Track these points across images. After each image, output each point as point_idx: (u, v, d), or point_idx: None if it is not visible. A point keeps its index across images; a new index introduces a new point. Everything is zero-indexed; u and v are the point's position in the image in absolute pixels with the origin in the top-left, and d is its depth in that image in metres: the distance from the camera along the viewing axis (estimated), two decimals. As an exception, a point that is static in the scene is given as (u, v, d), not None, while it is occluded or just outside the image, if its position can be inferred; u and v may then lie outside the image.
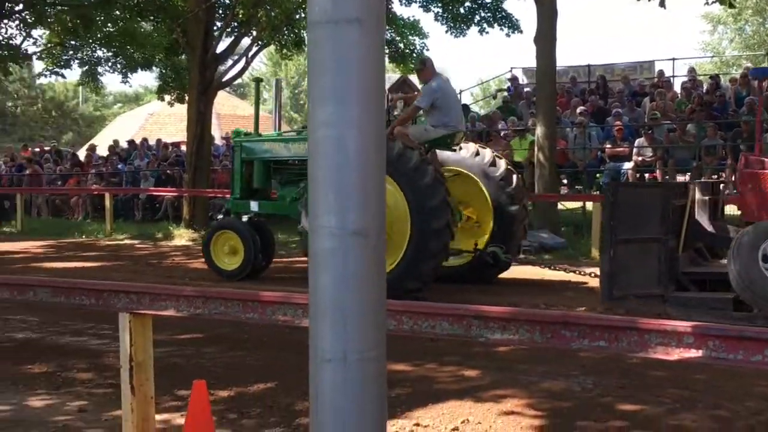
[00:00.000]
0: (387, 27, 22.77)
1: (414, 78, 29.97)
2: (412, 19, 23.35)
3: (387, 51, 23.37)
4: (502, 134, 19.27)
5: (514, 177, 10.69)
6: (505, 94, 24.88)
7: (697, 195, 8.68)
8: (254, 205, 11.44)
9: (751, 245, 7.42)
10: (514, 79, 24.76)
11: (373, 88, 2.65)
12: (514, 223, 10.51)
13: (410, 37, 23.47)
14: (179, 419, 4.91)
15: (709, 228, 8.60)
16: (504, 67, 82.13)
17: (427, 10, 22.17)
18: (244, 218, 11.45)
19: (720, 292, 7.76)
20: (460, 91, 35.41)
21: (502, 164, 10.63)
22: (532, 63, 16.78)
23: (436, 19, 22.11)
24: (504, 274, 10.74)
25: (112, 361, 6.32)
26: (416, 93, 10.75)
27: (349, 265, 2.63)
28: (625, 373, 6.10)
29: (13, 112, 57.47)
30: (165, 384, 5.71)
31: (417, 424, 4.92)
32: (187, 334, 7.74)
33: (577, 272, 9.81)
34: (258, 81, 13.19)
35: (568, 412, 5.22)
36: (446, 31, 22.47)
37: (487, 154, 10.66)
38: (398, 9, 25.39)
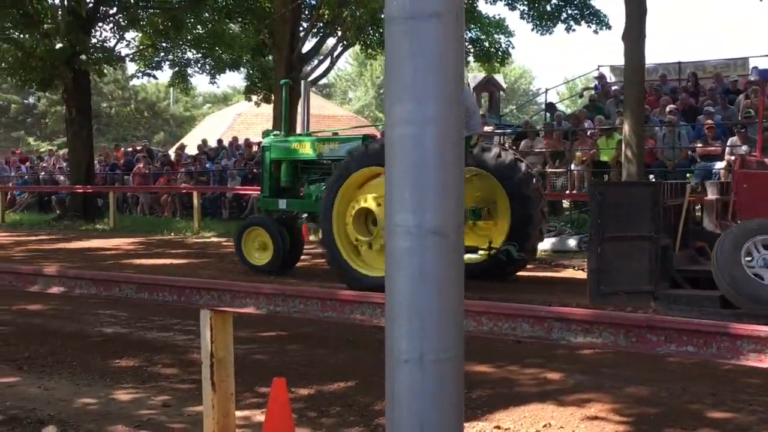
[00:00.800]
0: (472, 26, 22.67)
1: (498, 76, 29.77)
2: (497, 17, 23.15)
3: (472, 50, 23.27)
4: (588, 133, 18.93)
5: (534, 180, 10.91)
6: (592, 92, 24.45)
7: (709, 195, 8.85)
8: (282, 203, 11.85)
9: (734, 244, 7.51)
10: (601, 77, 24.31)
11: (452, 85, 2.60)
12: (530, 224, 10.62)
13: (495, 36, 23.29)
14: (260, 416, 4.93)
15: (714, 228, 8.64)
16: (591, 65, 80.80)
17: (512, 8, 21.97)
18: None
19: (713, 289, 7.72)
20: (546, 90, 34.88)
21: (522, 167, 10.81)
22: (619, 60, 16.46)
23: (522, 17, 21.92)
24: (524, 273, 10.98)
25: (196, 357, 6.39)
26: None
27: (427, 265, 2.58)
28: (717, 379, 5.90)
29: (107, 113, 59.16)
30: (247, 381, 5.77)
31: (497, 427, 4.85)
32: (270, 332, 7.81)
33: None
34: (286, 83, 13.49)
35: (654, 418, 5.07)
36: (532, 29, 22.25)
37: (509, 156, 10.86)
38: (483, 7, 25.21)
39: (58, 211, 24.59)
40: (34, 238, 18.89)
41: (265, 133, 13.07)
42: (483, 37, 23.23)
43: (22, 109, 62.18)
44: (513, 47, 23.44)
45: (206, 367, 4.20)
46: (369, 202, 9.94)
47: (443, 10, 2.57)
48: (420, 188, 2.56)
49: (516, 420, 4.99)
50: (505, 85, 37.27)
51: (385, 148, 2.64)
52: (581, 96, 30.42)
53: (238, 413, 4.81)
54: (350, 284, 9.63)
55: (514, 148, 19.77)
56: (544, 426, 4.87)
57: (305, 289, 4.08)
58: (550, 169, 17.73)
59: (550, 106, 23.19)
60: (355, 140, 11.11)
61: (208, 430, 4.24)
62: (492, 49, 23.24)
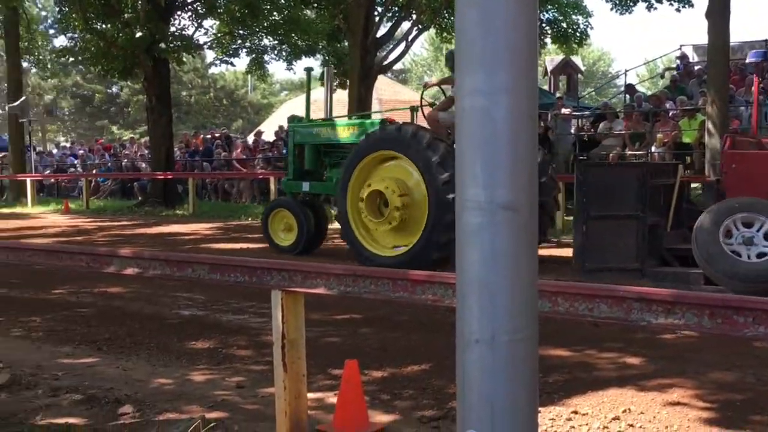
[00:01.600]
0: (549, 6, 22.27)
1: (576, 59, 29.23)
2: (575, -2, 22.71)
3: (549, 31, 22.87)
4: (670, 114, 18.44)
5: (549, 168, 11.02)
6: (674, 72, 23.83)
7: (710, 176, 9.43)
8: (305, 186, 12.26)
9: (713, 222, 7.79)
10: (683, 57, 23.70)
11: (525, 53, 2.49)
12: (542, 210, 10.47)
13: (573, 17, 22.83)
14: (332, 398, 4.91)
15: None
16: (672, 45, 78.74)
17: (591, -13, 21.49)
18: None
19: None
20: (625, 71, 34.09)
21: (539, 156, 10.69)
22: (703, 39, 15.95)
23: (601, -3, 21.40)
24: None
25: (269, 340, 6.39)
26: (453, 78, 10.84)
27: (498, 242, 2.48)
28: (806, 365, 5.65)
29: (187, 101, 60.22)
30: (320, 363, 5.76)
31: (575, 412, 4.72)
32: (343, 314, 7.80)
33: None
34: (309, 70, 13.87)
35: (740, 405, 4.87)
36: (611, 9, 21.73)
37: None
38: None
39: (139, 198, 25.12)
40: (116, 223, 19.32)
41: (291, 119, 13.52)
42: (560, 18, 22.79)
43: (106, 98, 63.75)
44: (591, 28, 22.95)
45: (277, 347, 4.17)
46: (380, 184, 10.28)
47: (515, -23, 2.46)
48: (491, 162, 2.46)
49: (594, 405, 4.85)
50: (583, 68, 36.66)
51: (456, 121, 2.55)
52: (662, 76, 29.73)
53: (311, 395, 4.79)
54: (362, 263, 9.73)
55: (592, 130, 19.43)
56: (624, 411, 4.72)
57: (376, 269, 4.02)
58: (629, 152, 17.34)
59: (630, 88, 22.67)
60: (373, 124, 11.31)
61: (280, 411, 4.22)
62: (569, 30, 22.79)
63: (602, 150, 17.67)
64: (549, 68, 29.10)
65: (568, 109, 19.92)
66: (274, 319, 4.19)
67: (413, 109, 11.65)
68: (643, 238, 8.34)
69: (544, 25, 22.75)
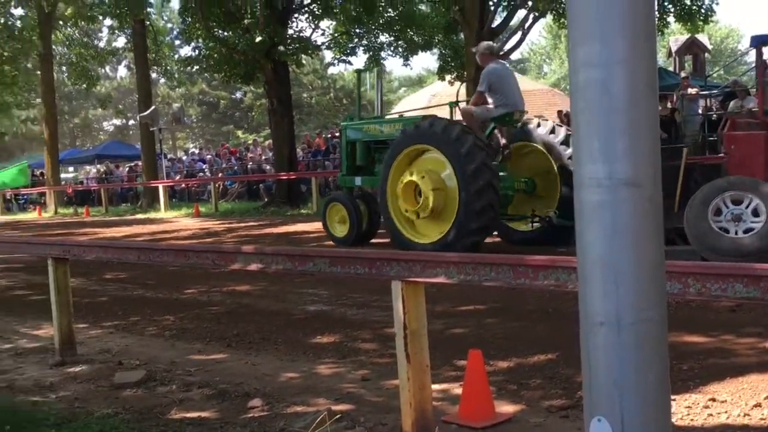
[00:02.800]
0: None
1: (702, 37, 28.15)
2: (699, -27, 21.79)
3: (672, 10, 22.06)
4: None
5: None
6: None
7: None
8: (357, 180, 12.95)
9: (703, 201, 8.31)
10: (819, 28, 22.43)
11: (642, 22, 2.37)
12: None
13: (697, -7, 21.95)
14: (457, 389, 4.85)
15: None
16: (808, 18, 74.85)
17: (715, -39, 20.58)
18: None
19: None
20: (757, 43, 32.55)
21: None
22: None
23: (726, -30, 20.50)
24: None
25: (393, 332, 6.41)
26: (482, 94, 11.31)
27: (621, 219, 2.37)
28: None
29: (308, 102, 61.26)
30: (445, 354, 5.71)
31: (713, 399, 4.50)
32: (467, 306, 7.72)
33: None
34: (359, 72, 15.19)
35: None
36: (738, -18, 20.78)
37: (562, 131, 11.32)
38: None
39: (265, 199, 25.69)
40: (243, 224, 19.81)
41: (346, 118, 14.07)
42: (684, -5, 21.96)
43: (230, 104, 65.59)
44: (717, 3, 22.03)
45: (400, 338, 4.14)
46: (415, 175, 10.71)
47: (629, -60, 2.34)
48: (609, 136, 2.35)
49: (733, 392, 4.61)
50: (710, 46, 35.27)
51: (571, 94, 2.46)
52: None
53: (436, 386, 4.75)
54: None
55: (721, 110, 18.64)
56: (766, 398, 4.47)
57: (496, 256, 3.93)
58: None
59: (763, 62, 21.60)
60: (415, 121, 11.67)
61: (405, 402, 4.19)
62: (693, 8, 21.91)
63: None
64: (673, 48, 28.11)
65: (695, 89, 19.18)
66: (395, 310, 4.16)
67: (452, 105, 11.92)
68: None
69: (666, 3, 21.97)
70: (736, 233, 8.27)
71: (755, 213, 8.26)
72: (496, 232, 11.74)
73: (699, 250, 8.14)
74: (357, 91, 14.60)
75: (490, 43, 13.00)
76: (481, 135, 10.81)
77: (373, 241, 12.86)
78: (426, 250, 9.77)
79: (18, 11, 30.22)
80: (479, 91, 11.22)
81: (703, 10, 21.83)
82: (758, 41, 10.94)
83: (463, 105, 11.70)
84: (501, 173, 10.99)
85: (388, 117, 13.17)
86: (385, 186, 11.20)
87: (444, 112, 12.06)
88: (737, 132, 9.50)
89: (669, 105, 19.67)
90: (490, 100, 11.16)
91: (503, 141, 11.33)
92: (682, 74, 21.53)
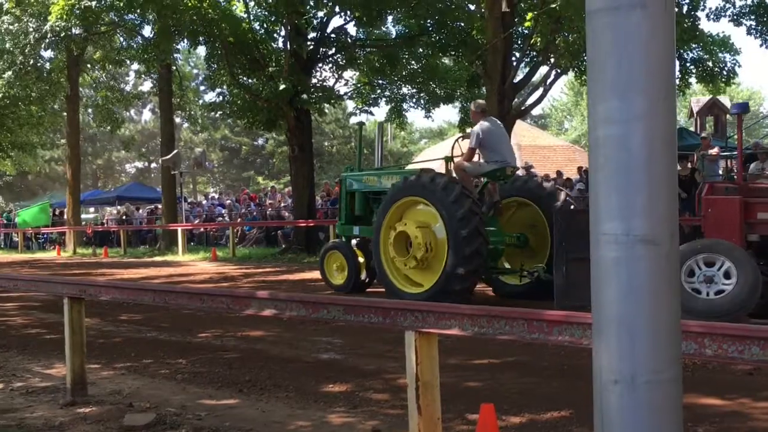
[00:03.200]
0: (694, 46, 21.60)
1: (723, 99, 28.22)
2: (721, 35, 21.89)
3: (694, 71, 22.15)
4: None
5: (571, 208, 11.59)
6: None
7: None
8: (356, 230, 13.17)
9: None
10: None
11: (661, 79, 2.38)
12: None
13: (720, 55, 22.03)
14: (469, 444, 4.79)
15: None
16: (830, 83, 74.90)
17: (738, 24, 20.71)
18: (354, 241, 13.26)
19: None
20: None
21: (561, 196, 11.80)
22: None
23: (749, 33, 20.60)
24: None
25: (406, 383, 6.37)
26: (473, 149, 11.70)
27: (637, 276, 2.36)
28: None
29: (329, 150, 61.65)
30: (457, 408, 5.66)
31: (728, 465, 4.42)
32: (481, 359, 7.66)
33: None
34: (360, 124, 16.24)
35: None
36: (761, 45, 20.88)
37: (549, 187, 12.08)
38: (705, 25, 23.94)
39: (283, 245, 25.71)
40: (260, 270, 19.81)
41: (345, 168, 14.58)
42: (705, 56, 22.04)
43: (252, 150, 66.11)
44: (739, 66, 22.05)
45: (411, 389, 4.11)
46: (405, 226, 11.16)
47: (649, 0, 2.37)
48: (628, 192, 2.36)
49: (749, 458, 4.54)
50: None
51: (589, 150, 2.47)
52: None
53: (447, 440, 4.69)
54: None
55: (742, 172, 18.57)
56: (782, 465, 4.39)
57: (511, 309, 3.91)
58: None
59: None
60: (413, 173, 11.91)
61: (415, 455, 4.15)
62: (716, 69, 21.98)
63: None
64: (695, 109, 28.20)
65: (716, 149, 19.17)
66: (407, 360, 4.14)
67: (447, 160, 12.23)
68: None
69: (688, 64, 22.07)
70: (707, 294, 8.63)
71: (726, 275, 8.60)
72: (490, 287, 12.13)
73: None
74: (358, 142, 15.15)
75: (482, 101, 13.50)
76: (470, 187, 11.23)
77: (369, 290, 12.88)
78: (415, 299, 9.87)
79: (47, 53, 30.77)
80: (471, 148, 11.58)
81: (725, 72, 21.88)
82: (739, 109, 11.29)
83: (457, 160, 11.91)
84: (492, 228, 11.41)
85: (386, 169, 13.68)
86: (378, 236, 11.55)
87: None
88: (714, 196, 9.88)
89: (689, 165, 19.66)
90: (481, 157, 11.57)
91: (495, 197, 11.78)
92: (703, 134, 21.55)
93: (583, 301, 8.79)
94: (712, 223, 9.53)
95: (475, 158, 11.63)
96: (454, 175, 11.55)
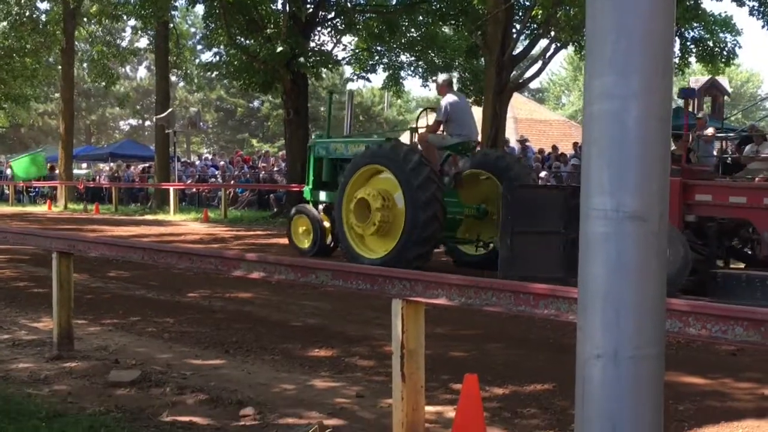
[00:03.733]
0: (695, 24, 21.51)
1: (722, 80, 28.16)
2: (723, 15, 21.78)
3: (694, 50, 22.08)
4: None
5: (530, 178, 12.53)
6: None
7: None
8: (323, 195, 13.57)
9: None
10: (840, 78, 22.40)
11: (659, 56, 2.36)
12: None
13: (721, 35, 21.93)
14: (451, 412, 4.82)
15: None
16: (829, 68, 74.71)
17: (740, 4, 20.59)
18: (320, 206, 13.61)
19: None
20: (776, 93, 32.44)
21: (517, 168, 12.21)
22: None
23: (751, 14, 20.49)
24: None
25: (391, 351, 6.40)
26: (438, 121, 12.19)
27: (625, 253, 2.36)
28: None
29: (324, 115, 61.33)
30: (441, 377, 5.69)
31: (706, 443, 4.47)
32: (468, 330, 7.70)
33: None
34: (330, 92, 16.58)
35: None
36: (762, 27, 20.77)
37: (508, 158, 12.74)
38: (708, 5, 23.80)
39: (275, 209, 25.70)
40: (251, 233, 19.82)
41: (316, 135, 15.25)
42: (706, 36, 21.93)
43: (247, 112, 65.79)
44: (740, 47, 21.95)
45: (396, 357, 4.13)
46: (365, 192, 11.47)
47: (650, -25, 2.35)
48: (619, 168, 2.35)
49: (728, 437, 4.58)
50: (730, 90, 35.29)
51: (584, 125, 2.45)
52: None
53: (430, 408, 4.73)
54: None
55: (736, 153, 18.62)
56: (760, 445, 4.44)
57: (499, 281, 3.92)
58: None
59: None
60: (379, 142, 12.41)
61: (397, 422, 4.18)
62: (716, 49, 21.89)
63: (747, 174, 16.88)
64: (696, 88, 28.12)
65: (711, 130, 19.16)
66: (393, 328, 4.15)
67: (412, 131, 12.72)
68: (565, 250, 9.52)
69: (689, 43, 21.98)
70: None
71: None
72: (449, 255, 12.69)
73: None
74: (328, 110, 15.49)
75: (449, 75, 14.15)
76: (432, 158, 11.61)
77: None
78: (372, 264, 10.30)
79: (43, 5, 30.49)
80: (437, 120, 12.00)
81: (725, 53, 21.80)
82: (685, 94, 12.10)
83: (422, 132, 12.35)
84: (452, 199, 11.75)
85: (353, 137, 14.21)
86: (340, 201, 11.90)
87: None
88: None
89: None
90: (445, 130, 12.00)
91: (457, 169, 12.32)
92: (700, 114, 21.52)
93: (527, 272, 9.00)
94: None
95: (440, 131, 12.06)
96: (419, 146, 11.91)
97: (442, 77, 12.73)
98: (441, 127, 11.99)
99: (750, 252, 10.30)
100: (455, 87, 12.21)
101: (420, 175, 10.87)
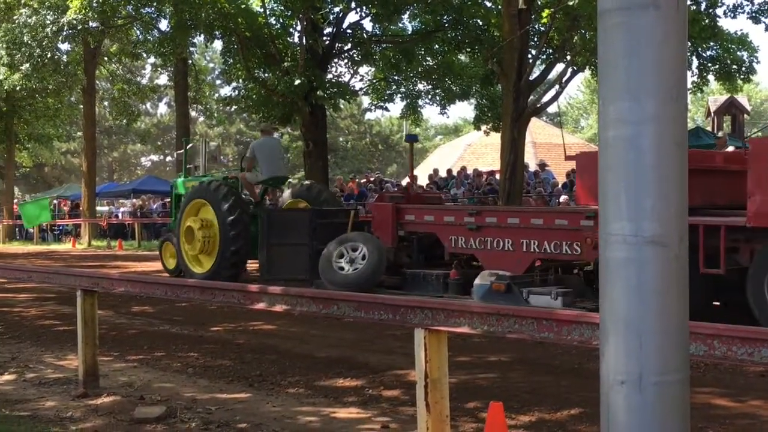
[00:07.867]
0: (712, 43, 21.46)
1: (741, 98, 28.02)
2: (739, 33, 21.74)
3: (712, 68, 22.01)
4: None
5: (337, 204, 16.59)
6: None
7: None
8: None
9: (333, 247, 12.13)
10: None
11: (673, 80, 2.37)
12: None
13: (738, 53, 21.87)
14: (477, 441, 4.79)
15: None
16: None
17: (756, 21, 20.55)
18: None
19: None
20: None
21: (324, 195, 15.59)
22: None
23: (767, 30, 20.42)
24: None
25: (415, 380, 6.37)
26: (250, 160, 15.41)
27: (645, 277, 2.36)
28: None
29: (344, 146, 61.63)
30: (466, 405, 5.66)
31: (737, 467, 4.41)
32: (493, 356, 7.66)
33: None
34: (185, 140, 20.66)
35: None
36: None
37: (316, 187, 15.82)
38: (724, 22, 23.74)
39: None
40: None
41: (178, 174, 18.12)
42: (724, 54, 21.86)
43: (267, 144, 65.93)
44: (758, 62, 21.83)
45: (420, 387, 4.12)
46: (192, 221, 14.44)
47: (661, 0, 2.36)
48: (637, 193, 2.35)
49: (759, 460, 4.52)
50: (749, 108, 35.10)
51: (599, 151, 2.46)
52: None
53: (456, 437, 4.70)
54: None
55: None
56: (792, 468, 4.37)
57: (521, 308, 3.90)
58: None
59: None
60: (203, 180, 15.38)
61: (423, 452, 4.15)
62: (734, 67, 21.81)
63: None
64: (712, 108, 28.00)
65: (730, 149, 19.05)
66: (417, 357, 4.14)
67: (240, 170, 15.71)
68: (310, 258, 12.64)
69: (706, 62, 21.92)
70: (348, 271, 11.82)
71: (363, 258, 11.77)
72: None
73: (324, 281, 11.87)
74: (184, 155, 18.25)
75: (268, 123, 18.44)
76: (252, 192, 15.08)
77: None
78: (199, 278, 13.20)
79: (64, 46, 30.85)
80: (247, 158, 15.27)
81: (743, 70, 21.71)
82: (409, 139, 15.76)
83: (243, 172, 15.32)
84: None
85: (202, 177, 16.60)
86: (178, 228, 14.92)
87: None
88: (376, 203, 13.53)
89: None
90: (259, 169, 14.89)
91: (273, 199, 15.70)
92: (719, 134, 21.42)
93: (279, 276, 12.15)
94: (376, 222, 12.93)
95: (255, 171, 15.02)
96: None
97: (262, 125, 16.56)
98: (254, 167, 15.04)
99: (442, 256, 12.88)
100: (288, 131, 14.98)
101: (227, 201, 13.90)
